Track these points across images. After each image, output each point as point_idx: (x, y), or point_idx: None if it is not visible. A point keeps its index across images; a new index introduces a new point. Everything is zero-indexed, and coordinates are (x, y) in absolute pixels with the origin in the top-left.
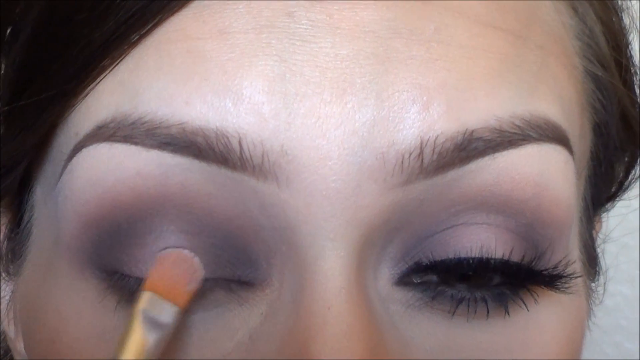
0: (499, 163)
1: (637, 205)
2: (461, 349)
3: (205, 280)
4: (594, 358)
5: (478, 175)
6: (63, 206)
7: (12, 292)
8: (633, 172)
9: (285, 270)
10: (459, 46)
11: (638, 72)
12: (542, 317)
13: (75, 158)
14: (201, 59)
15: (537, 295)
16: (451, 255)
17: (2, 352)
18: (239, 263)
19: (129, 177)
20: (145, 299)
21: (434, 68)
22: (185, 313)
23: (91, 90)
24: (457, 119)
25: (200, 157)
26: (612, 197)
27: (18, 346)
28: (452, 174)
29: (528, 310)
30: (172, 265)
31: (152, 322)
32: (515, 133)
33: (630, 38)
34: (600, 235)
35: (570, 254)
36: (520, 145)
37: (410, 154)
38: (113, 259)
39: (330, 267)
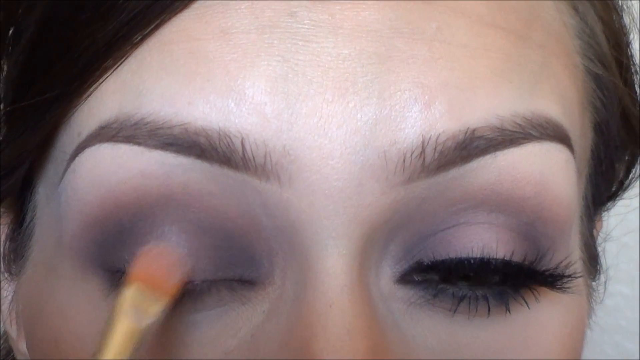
0: (500, 162)
1: (637, 205)
2: (462, 346)
3: (208, 279)
4: (594, 358)
5: (479, 173)
6: (66, 206)
7: (14, 292)
8: (633, 171)
9: (287, 269)
10: (461, 45)
11: (638, 71)
12: (544, 315)
13: (78, 158)
14: (204, 59)
15: (538, 293)
16: (452, 256)
17: (4, 352)
18: (241, 262)
19: (132, 177)
20: (129, 292)
21: (435, 67)
22: (188, 312)
23: (94, 90)
24: (459, 118)
25: (202, 157)
26: (613, 196)
27: (20, 346)
28: (454, 173)
29: (529, 308)
30: (158, 258)
31: (136, 315)
32: (517, 132)
33: (630, 37)
34: (601, 235)
35: (572, 253)
36: (522, 144)
37: (412, 153)
38: (116, 258)
39: (333, 265)
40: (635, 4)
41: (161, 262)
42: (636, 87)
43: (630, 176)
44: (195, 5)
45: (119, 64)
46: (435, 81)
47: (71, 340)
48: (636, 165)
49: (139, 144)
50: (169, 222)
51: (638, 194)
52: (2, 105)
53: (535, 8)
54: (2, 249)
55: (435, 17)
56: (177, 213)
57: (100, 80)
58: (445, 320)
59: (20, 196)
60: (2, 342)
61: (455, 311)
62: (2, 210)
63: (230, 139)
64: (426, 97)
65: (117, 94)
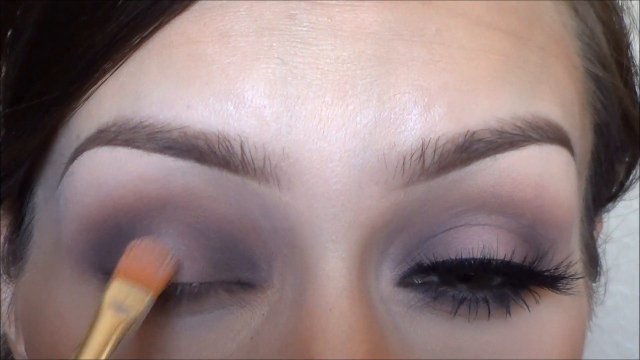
0: (500, 164)
1: (638, 206)
2: (463, 349)
3: (206, 282)
4: (594, 358)
5: (479, 176)
6: (64, 209)
7: (13, 294)
8: (634, 172)
9: (286, 272)
10: (460, 47)
11: (639, 73)
12: (544, 317)
13: (76, 161)
14: (203, 62)
15: (539, 296)
16: (453, 256)
17: (3, 353)
18: (240, 265)
19: (130, 180)
20: (113, 286)
21: (435, 69)
22: (187, 314)
23: (92, 93)
24: (459, 121)
25: (202, 160)
26: (613, 197)
27: (19, 348)
28: (453, 175)
29: (529, 310)
30: (142, 253)
31: (120, 308)
32: (517, 134)
33: (630, 38)
34: (601, 236)
35: (572, 254)
36: (522, 146)
37: (412, 156)
38: (114, 261)
39: (332, 268)
40: (636, 4)
41: (147, 256)
42: (636, 88)
43: (631, 177)
44: (194, 8)
45: (117, 66)
46: (434, 84)
47: (69, 342)
48: (636, 167)
49: (137, 147)
50: (168, 225)
51: (638, 195)
52: (0, 108)
53: (535, 9)
54: (1, 251)
55: (435, 19)
56: (176, 216)
57: (99, 82)
58: (445, 323)
59: (19, 198)
60: (1, 343)
61: (455, 314)
62: (1, 212)
63: (229, 142)
64: (426, 100)
65: (115, 96)
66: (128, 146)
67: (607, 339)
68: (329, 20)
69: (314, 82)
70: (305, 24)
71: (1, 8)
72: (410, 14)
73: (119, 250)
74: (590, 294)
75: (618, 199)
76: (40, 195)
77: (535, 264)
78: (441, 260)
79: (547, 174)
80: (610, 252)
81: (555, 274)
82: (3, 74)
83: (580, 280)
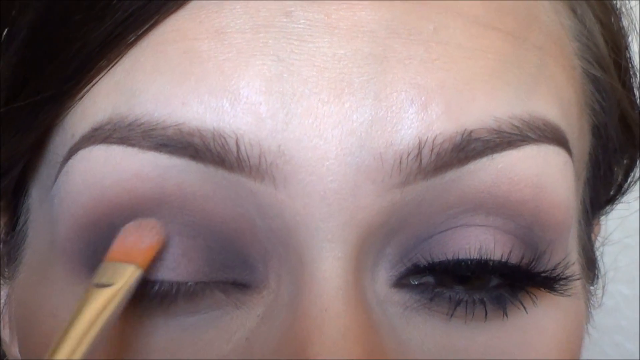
0: (498, 164)
1: (637, 207)
2: (459, 351)
3: (202, 283)
4: (594, 358)
5: (476, 176)
6: (59, 209)
7: (7, 295)
8: (632, 174)
9: (282, 272)
10: (458, 46)
11: (637, 74)
12: (541, 319)
13: (71, 160)
14: (198, 59)
15: (536, 297)
16: (450, 257)
17: None
18: (236, 266)
19: (125, 179)
20: (100, 269)
21: (432, 68)
22: (182, 315)
23: (87, 91)
24: (456, 120)
25: (197, 158)
26: (611, 199)
27: (13, 350)
28: (451, 175)
29: (527, 312)
30: (127, 233)
31: (105, 284)
32: (514, 134)
33: (629, 39)
34: (600, 237)
35: (569, 256)
36: (519, 146)
37: (409, 155)
38: None
39: (328, 269)
40: (634, 5)
41: (132, 235)
42: (635, 89)
43: (629, 180)
44: (189, 5)
45: (112, 64)
46: (432, 82)
47: None
48: (635, 169)
49: (132, 145)
50: (163, 225)
51: (638, 197)
52: None
53: (533, 9)
54: None
55: (433, 18)
56: (172, 215)
57: (94, 81)
58: (442, 324)
59: (13, 199)
60: None
61: (452, 315)
62: None
63: (225, 139)
64: (423, 99)
65: (110, 95)
66: (123, 144)
67: (607, 339)
68: (326, 17)
69: (310, 79)
70: (301, 21)
71: None
72: (408, 12)
73: None
74: (588, 297)
75: (616, 202)
76: (35, 195)
77: (533, 264)
78: (438, 261)
79: (545, 175)
80: (610, 252)
81: (553, 275)
82: None
83: (578, 282)
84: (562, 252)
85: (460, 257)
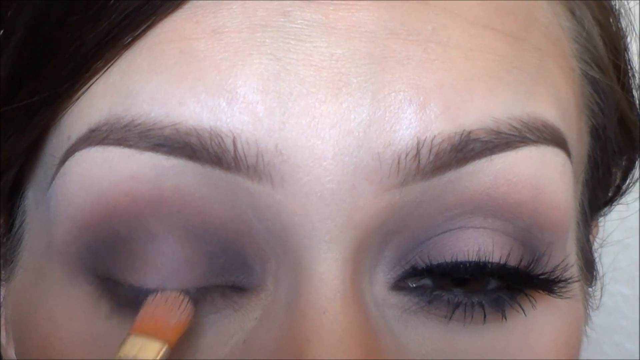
0: (496, 165)
1: (637, 207)
2: (458, 354)
3: (203, 287)
4: (594, 358)
5: (475, 177)
6: (55, 211)
7: (3, 297)
8: (631, 175)
9: (280, 274)
10: (457, 47)
11: (636, 76)
12: (540, 322)
13: (67, 162)
14: (194, 58)
15: (535, 300)
16: (448, 259)
17: None
18: (234, 268)
19: (123, 180)
20: (126, 342)
21: (431, 68)
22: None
23: (83, 92)
24: (454, 120)
25: (194, 158)
26: (610, 201)
27: (9, 352)
28: (449, 176)
29: (525, 315)
30: (158, 304)
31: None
32: (513, 135)
33: (628, 40)
34: (599, 238)
35: (568, 258)
36: (518, 147)
37: (407, 155)
38: (107, 264)
39: (325, 271)
40: (634, 6)
41: (161, 307)
42: (634, 91)
43: (628, 181)
44: (186, 6)
45: (108, 65)
46: (430, 82)
47: (60, 347)
48: (634, 170)
49: (129, 146)
50: (161, 227)
51: (638, 197)
52: None
53: (532, 10)
54: None
55: (431, 18)
56: (169, 218)
57: (90, 82)
58: (441, 327)
59: (9, 200)
60: None
61: (450, 318)
62: None
63: (222, 138)
64: (421, 99)
65: (107, 95)
66: (120, 145)
67: (607, 339)
68: (324, 18)
69: (307, 78)
70: (299, 21)
71: None
72: (407, 13)
73: (112, 253)
74: (586, 299)
75: (614, 203)
76: (31, 197)
77: (531, 266)
78: (436, 263)
79: (544, 176)
80: (609, 252)
81: (551, 277)
82: None
83: (576, 284)
84: (561, 254)
85: (458, 260)
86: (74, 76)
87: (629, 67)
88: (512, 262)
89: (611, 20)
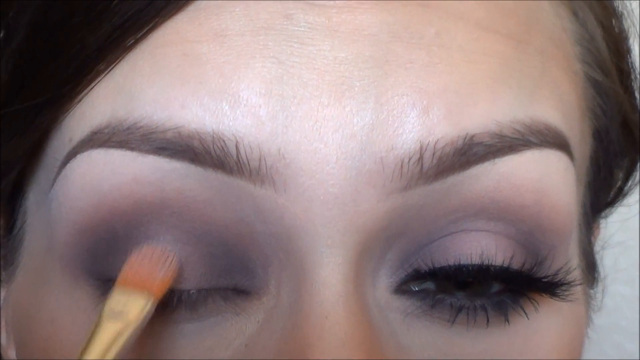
0: (500, 168)
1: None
2: (461, 357)
3: (204, 289)
4: (594, 358)
5: (478, 180)
6: (57, 213)
7: (4, 299)
8: (632, 178)
9: (282, 278)
10: (460, 50)
11: (638, 77)
12: (543, 325)
13: (69, 164)
14: (197, 61)
15: (538, 303)
16: (451, 262)
17: None
18: (236, 272)
19: (125, 183)
20: (111, 296)
21: (434, 72)
22: (182, 321)
23: (86, 95)
24: (457, 124)
25: (196, 161)
26: (611, 203)
27: (10, 353)
28: (452, 180)
29: (528, 318)
30: (141, 260)
31: (118, 316)
32: (516, 138)
33: (630, 42)
34: (600, 240)
35: (571, 261)
36: (521, 150)
37: (410, 159)
38: (108, 266)
39: (328, 274)
40: (636, 9)
41: (146, 262)
42: (636, 93)
43: (629, 183)
44: (189, 8)
45: (111, 67)
46: (433, 86)
47: (61, 348)
48: (635, 172)
49: (132, 149)
50: (164, 230)
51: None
52: None
53: (535, 13)
54: None
55: (434, 21)
56: (172, 220)
57: (92, 84)
58: (443, 331)
59: (10, 202)
60: None
61: (453, 322)
62: None
63: (224, 142)
64: (424, 102)
65: (109, 98)
66: (122, 148)
67: (607, 339)
68: (327, 21)
69: (310, 82)
70: (302, 24)
71: None
72: (410, 16)
73: (113, 256)
74: (588, 301)
75: (616, 205)
76: (32, 199)
77: (534, 270)
78: (439, 266)
79: (547, 179)
80: (610, 252)
81: (554, 280)
82: None
83: (579, 287)
84: (564, 257)
85: (461, 263)
86: (75, 78)
87: (631, 69)
88: (515, 265)
89: (614, 22)
